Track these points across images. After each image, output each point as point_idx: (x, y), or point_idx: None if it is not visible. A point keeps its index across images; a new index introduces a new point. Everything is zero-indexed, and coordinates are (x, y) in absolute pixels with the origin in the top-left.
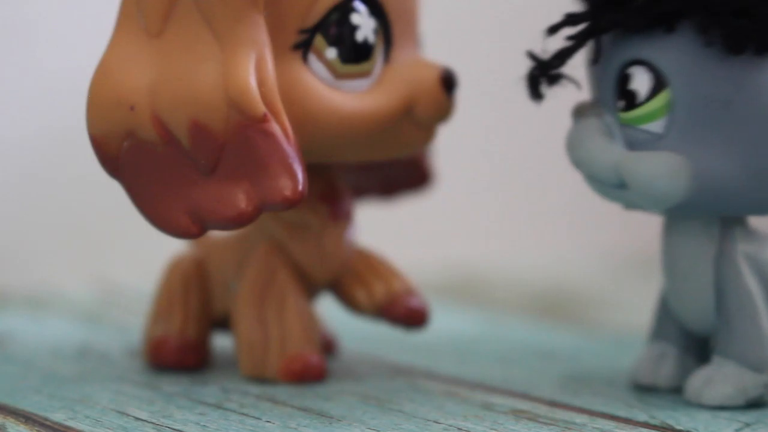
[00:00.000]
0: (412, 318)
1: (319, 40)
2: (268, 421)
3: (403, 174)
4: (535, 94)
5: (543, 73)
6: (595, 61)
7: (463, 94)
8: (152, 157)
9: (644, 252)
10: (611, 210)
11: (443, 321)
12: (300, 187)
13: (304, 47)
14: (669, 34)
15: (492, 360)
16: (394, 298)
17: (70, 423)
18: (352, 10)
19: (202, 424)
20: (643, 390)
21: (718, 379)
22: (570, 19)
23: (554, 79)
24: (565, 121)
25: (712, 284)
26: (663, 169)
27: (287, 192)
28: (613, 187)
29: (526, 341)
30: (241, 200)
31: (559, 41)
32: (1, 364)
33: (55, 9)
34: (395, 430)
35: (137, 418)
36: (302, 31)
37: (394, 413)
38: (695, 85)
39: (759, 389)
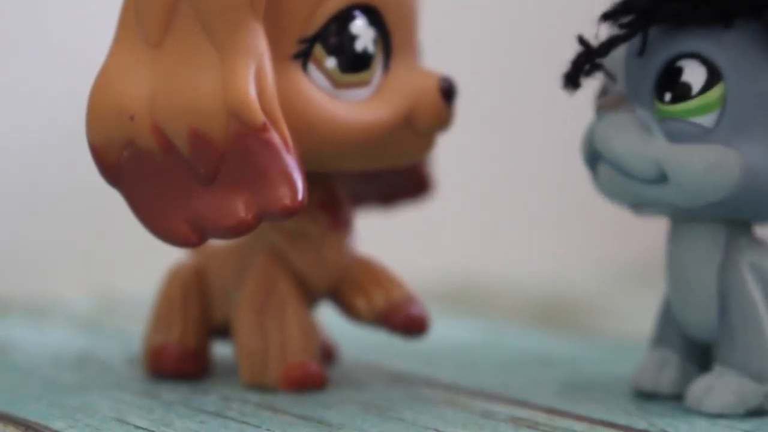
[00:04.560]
0: (412, 326)
1: (318, 49)
2: (267, 429)
3: (403, 182)
4: (573, 82)
5: (589, 60)
6: (642, 52)
7: (463, 102)
8: (152, 166)
9: (643, 260)
10: (610, 218)
11: (443, 329)
12: (299, 197)
13: (303, 57)
14: (727, 29)
15: (492, 368)
16: (393, 306)
17: (71, 431)
18: (352, 19)
19: None
20: (643, 397)
21: (719, 387)
22: (626, 7)
23: (594, 69)
24: (564, 128)
25: (716, 293)
26: (715, 162)
27: (287, 201)
28: (648, 182)
29: (525, 349)
30: (241, 209)
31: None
32: (2, 373)
33: (58, 16)
34: None
35: (137, 427)
36: (302, 41)
37: (393, 421)
38: (750, 81)
39: (759, 399)
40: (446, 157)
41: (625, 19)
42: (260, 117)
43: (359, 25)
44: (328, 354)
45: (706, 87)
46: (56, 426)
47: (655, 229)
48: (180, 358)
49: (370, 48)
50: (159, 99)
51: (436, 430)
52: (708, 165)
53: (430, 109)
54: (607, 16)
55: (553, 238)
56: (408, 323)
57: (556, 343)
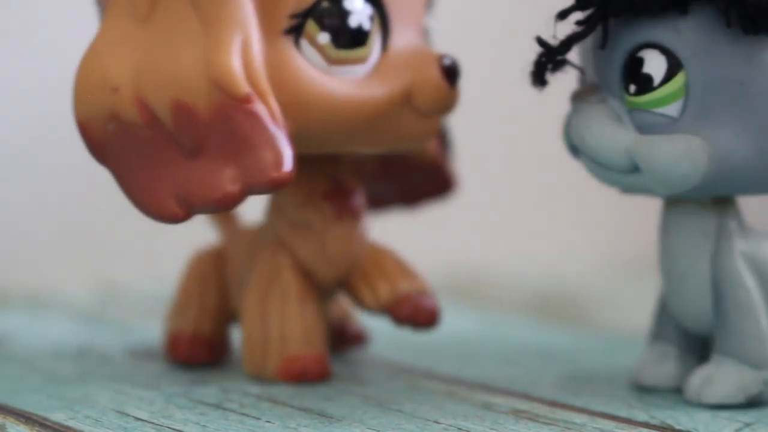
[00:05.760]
0: (416, 319)
1: (311, 25)
2: (268, 422)
3: (425, 181)
4: (540, 80)
5: (550, 59)
6: (604, 46)
7: (463, 94)
8: (137, 140)
9: (644, 252)
10: (611, 210)
11: (443, 321)
12: (286, 168)
13: (295, 32)
14: (683, 16)
15: (492, 360)
16: (399, 298)
17: (70, 423)
18: None
19: (202, 424)
20: (644, 390)
21: (718, 377)
22: (580, 4)
23: (559, 65)
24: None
25: (709, 283)
26: (682, 153)
27: (273, 172)
28: (624, 172)
29: (526, 341)
30: (227, 182)
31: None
32: (1, 364)
33: (57, 7)
34: (395, 431)
35: (137, 418)
36: (293, 16)
37: (394, 413)
38: (710, 67)
39: (759, 386)
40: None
41: (582, 15)
42: (243, 87)
43: (353, 1)
44: (358, 339)
45: (668, 77)
46: (56, 417)
47: (655, 221)
48: (193, 345)
49: (366, 25)
50: (143, 71)
51: (436, 422)
52: (675, 155)
53: (429, 86)
54: (562, 15)
55: (554, 231)
56: (412, 316)
57: (557, 335)
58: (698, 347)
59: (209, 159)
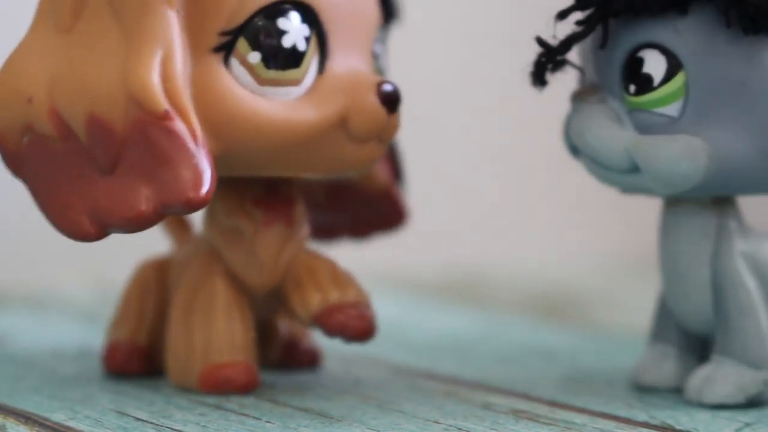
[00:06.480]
0: (347, 330)
1: (242, 43)
2: (268, 422)
3: (375, 213)
4: (540, 80)
5: (550, 60)
6: (603, 45)
7: (465, 94)
8: (52, 154)
9: (644, 252)
10: (611, 210)
11: (443, 321)
12: (204, 190)
13: (225, 50)
14: (682, 16)
15: (492, 360)
16: (329, 309)
17: (70, 423)
18: (280, 14)
19: (202, 424)
20: (644, 390)
21: (718, 377)
22: (580, 4)
23: (559, 65)
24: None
25: (709, 283)
26: (682, 153)
27: (189, 194)
28: (624, 172)
29: (526, 341)
30: (141, 201)
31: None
32: (1, 364)
33: None
34: (395, 431)
35: (137, 419)
36: (223, 33)
37: (394, 413)
38: (710, 67)
39: (758, 386)
40: (447, 150)
41: (582, 15)
42: (161, 104)
43: (288, 21)
44: (308, 358)
45: (668, 77)
46: (56, 418)
47: (656, 221)
48: (127, 356)
49: (301, 46)
50: (60, 82)
51: (436, 422)
52: (675, 155)
53: (365, 112)
54: (562, 14)
55: (554, 231)
56: (341, 327)
57: (557, 335)
58: (698, 347)
59: (124, 176)
